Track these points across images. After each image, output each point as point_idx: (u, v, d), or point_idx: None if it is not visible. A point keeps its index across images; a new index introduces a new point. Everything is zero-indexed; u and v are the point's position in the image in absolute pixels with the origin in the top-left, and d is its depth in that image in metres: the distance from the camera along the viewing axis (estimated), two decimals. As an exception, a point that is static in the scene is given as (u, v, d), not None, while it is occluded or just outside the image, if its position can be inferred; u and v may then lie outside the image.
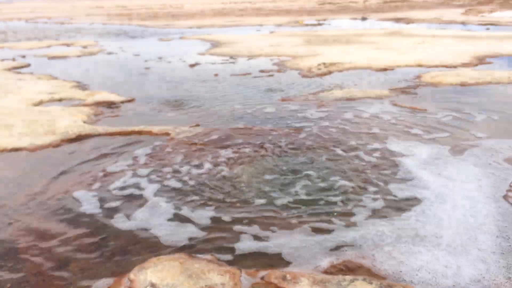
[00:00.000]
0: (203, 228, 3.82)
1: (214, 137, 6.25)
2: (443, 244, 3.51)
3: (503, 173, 4.74)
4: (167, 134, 6.42)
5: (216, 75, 11.25)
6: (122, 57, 15.39)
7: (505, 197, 4.21)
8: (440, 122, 6.61)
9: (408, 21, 25.82)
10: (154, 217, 4.04)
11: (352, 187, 4.55)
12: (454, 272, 3.16)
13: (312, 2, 62.56)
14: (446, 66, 10.84)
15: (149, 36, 23.17)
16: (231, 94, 9.03)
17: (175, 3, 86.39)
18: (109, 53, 16.39)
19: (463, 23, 23.04)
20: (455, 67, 10.74)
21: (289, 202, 4.28)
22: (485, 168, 4.88)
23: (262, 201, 4.31)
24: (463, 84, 8.91)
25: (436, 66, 10.89)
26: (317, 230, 3.74)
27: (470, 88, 8.70)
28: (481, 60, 11.48)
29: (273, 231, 3.74)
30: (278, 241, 3.59)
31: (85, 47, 18.56)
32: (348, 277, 3.06)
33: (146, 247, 3.56)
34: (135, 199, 4.44)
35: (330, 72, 10.92)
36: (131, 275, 3.11)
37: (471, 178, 4.65)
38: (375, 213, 4.03)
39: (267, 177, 4.85)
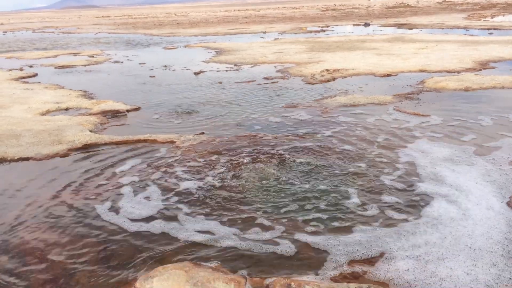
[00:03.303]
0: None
1: (219, 144, 6.31)
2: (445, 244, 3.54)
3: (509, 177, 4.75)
4: (172, 142, 6.48)
5: (220, 82, 11.33)
6: (127, 66, 15.53)
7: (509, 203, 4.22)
8: (444, 126, 6.63)
9: (410, 26, 25.86)
10: (163, 224, 4.09)
11: (367, 189, 4.58)
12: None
13: (315, 9, 62.74)
14: (449, 71, 10.86)
15: (154, 45, 23.37)
16: (236, 102, 9.09)
17: (180, 11, 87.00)
18: (115, 62, 16.56)
19: (465, 28, 23.04)
20: (458, 72, 10.75)
21: (299, 205, 4.32)
22: (492, 171, 4.90)
23: (270, 206, 4.35)
24: (466, 89, 8.92)
25: (439, 72, 10.91)
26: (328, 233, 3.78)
27: (474, 93, 8.71)
28: (484, 65, 11.48)
29: (290, 233, 3.78)
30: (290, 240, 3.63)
31: (91, 56, 18.75)
32: (352, 285, 3.08)
33: (153, 255, 3.61)
34: (142, 209, 4.49)
35: (333, 79, 10.97)
36: (137, 284, 3.15)
37: (479, 181, 4.67)
38: (391, 213, 4.06)
39: (273, 183, 4.89)
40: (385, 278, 3.22)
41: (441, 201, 4.42)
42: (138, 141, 6.62)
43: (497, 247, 3.60)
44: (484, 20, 28.05)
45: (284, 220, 4.09)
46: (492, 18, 30.22)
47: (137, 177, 5.27)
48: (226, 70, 13.35)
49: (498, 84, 9.11)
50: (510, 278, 3.17)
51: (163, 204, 4.54)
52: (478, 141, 5.99)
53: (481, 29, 22.17)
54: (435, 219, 4.07)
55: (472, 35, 19.42)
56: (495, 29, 21.75)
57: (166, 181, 5.14)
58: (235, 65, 14.36)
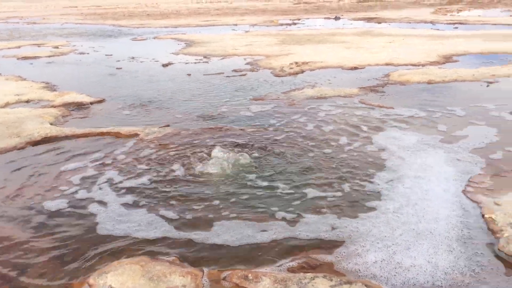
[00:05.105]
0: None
1: (184, 137, 6.23)
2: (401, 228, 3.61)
3: (465, 167, 4.88)
4: (136, 135, 6.36)
5: (189, 75, 11.20)
6: (94, 57, 15.14)
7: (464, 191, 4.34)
8: (404, 118, 6.74)
9: (379, 20, 26.20)
10: (117, 219, 4.01)
11: (324, 179, 4.61)
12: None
13: (288, 2, 62.76)
14: (414, 65, 11.06)
15: (122, 36, 22.86)
16: (203, 94, 9.01)
17: (151, 2, 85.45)
18: (81, 53, 16.12)
19: (432, 22, 23.50)
20: (423, 65, 10.97)
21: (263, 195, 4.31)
22: (450, 161, 5.02)
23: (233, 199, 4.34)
24: (430, 82, 9.11)
25: (405, 65, 11.10)
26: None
27: (437, 86, 8.90)
28: (448, 59, 11.76)
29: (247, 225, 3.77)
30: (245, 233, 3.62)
31: (56, 47, 18.18)
32: (309, 275, 3.10)
33: (108, 250, 3.53)
34: (97, 202, 4.38)
35: (302, 71, 11.01)
36: (91, 280, 3.08)
37: (436, 171, 4.78)
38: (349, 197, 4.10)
39: (240, 175, 4.87)
40: (346, 269, 3.25)
41: (408, 185, 4.56)
42: (101, 134, 6.47)
43: (454, 232, 3.70)
44: (450, 15, 28.68)
45: (245, 214, 4.09)
46: (458, 13, 30.92)
47: (96, 171, 5.15)
48: (195, 62, 13.19)
49: (459, 77, 9.34)
50: (465, 266, 3.25)
51: (119, 199, 4.45)
52: (440, 131, 6.15)
53: (447, 23, 22.65)
54: (401, 205, 4.17)
55: (438, 29, 19.82)
56: (460, 23, 22.27)
57: (124, 174, 5.04)
58: (205, 57, 14.21)
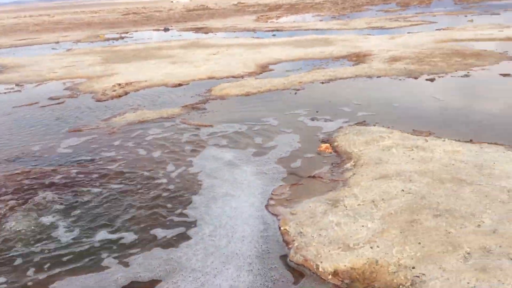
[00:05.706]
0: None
1: (-19, 190, 5.52)
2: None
3: (270, 179, 5.32)
4: None
5: (-6, 109, 9.99)
6: None
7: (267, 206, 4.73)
8: (222, 135, 7.07)
9: (207, 30, 27.07)
10: None
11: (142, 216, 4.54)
12: None
13: (116, 13, 60.67)
14: (235, 77, 11.68)
15: None
16: (11, 131, 8.12)
17: (-47, 18, 73.99)
18: None
19: (254, 30, 25.17)
20: (242, 77, 11.64)
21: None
22: (258, 175, 5.41)
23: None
24: (247, 94, 9.71)
25: (226, 77, 11.63)
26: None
27: (254, 97, 9.50)
28: (264, 68, 12.69)
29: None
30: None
31: None
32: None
33: None
34: None
35: (126, 93, 10.72)
36: None
37: (246, 186, 5.11)
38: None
39: (47, 234, 4.49)
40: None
41: (220, 205, 4.80)
42: None
43: (255, 249, 3.98)
44: (270, 22, 31.08)
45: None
46: (277, 19, 33.68)
47: None
48: (5, 92, 11.82)
49: (273, 87, 10.15)
50: (261, 284, 3.53)
51: None
52: (254, 144, 6.59)
53: (267, 30, 24.46)
54: (215, 227, 4.35)
55: (258, 37, 21.25)
56: (278, 30, 24.25)
57: None
58: (17, 85, 12.82)
